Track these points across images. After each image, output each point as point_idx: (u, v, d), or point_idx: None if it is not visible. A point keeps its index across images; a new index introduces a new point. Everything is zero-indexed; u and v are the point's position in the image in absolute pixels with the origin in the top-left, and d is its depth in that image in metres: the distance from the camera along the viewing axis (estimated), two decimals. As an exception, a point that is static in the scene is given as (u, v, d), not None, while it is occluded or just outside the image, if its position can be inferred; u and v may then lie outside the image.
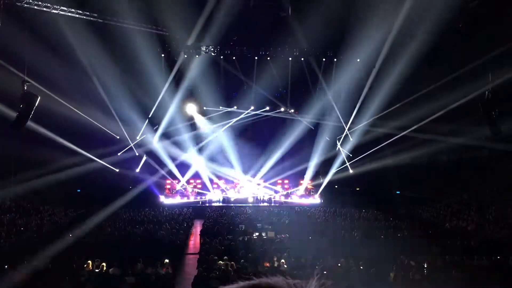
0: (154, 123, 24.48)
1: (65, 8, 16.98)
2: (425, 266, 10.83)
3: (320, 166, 26.86)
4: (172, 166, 25.83)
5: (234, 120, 26.67)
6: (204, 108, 25.76)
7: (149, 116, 23.77)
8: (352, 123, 24.15)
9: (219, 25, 19.16)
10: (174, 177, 26.71)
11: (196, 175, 27.37)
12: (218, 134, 26.98)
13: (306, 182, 27.65)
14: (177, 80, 22.82)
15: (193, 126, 26.26)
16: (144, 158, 24.84)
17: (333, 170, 25.79)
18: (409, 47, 18.10)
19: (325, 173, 26.39)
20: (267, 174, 27.69)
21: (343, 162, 25.40)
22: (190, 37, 20.25)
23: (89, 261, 10.62)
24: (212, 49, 21.76)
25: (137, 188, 24.65)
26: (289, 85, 24.55)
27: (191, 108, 25.65)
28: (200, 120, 26.37)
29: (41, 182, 19.73)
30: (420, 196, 24.77)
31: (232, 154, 27.05)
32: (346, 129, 24.34)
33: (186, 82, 22.69)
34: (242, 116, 26.51)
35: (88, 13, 17.54)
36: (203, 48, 21.42)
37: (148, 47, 19.78)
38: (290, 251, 12.30)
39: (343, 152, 25.31)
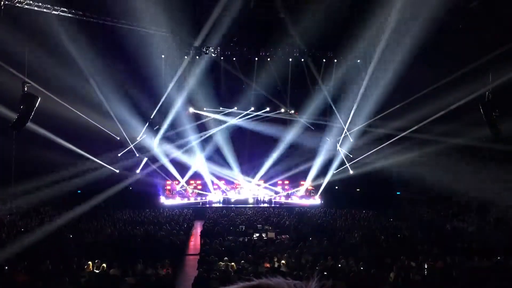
0: (154, 124, 24.48)
1: (65, 9, 17.00)
2: (426, 267, 10.83)
3: (321, 167, 26.81)
4: (171, 167, 25.80)
5: (235, 119, 26.64)
6: (204, 109, 25.76)
7: (151, 117, 23.79)
8: (352, 123, 24.15)
9: (219, 26, 19.19)
10: (174, 178, 26.68)
11: (197, 176, 27.34)
12: (219, 132, 26.92)
13: (308, 183, 27.58)
14: (178, 81, 22.84)
15: (194, 127, 26.19)
16: (145, 159, 24.82)
17: (333, 171, 25.77)
18: (409, 47, 18.11)
19: (325, 174, 26.36)
20: (267, 175, 27.67)
21: (343, 163, 25.39)
22: (192, 38, 20.28)
23: (89, 262, 10.63)
24: (213, 50, 21.78)
25: (135, 187, 24.74)
26: (289, 85, 24.58)
27: (192, 109, 25.65)
28: (202, 114, 26.25)
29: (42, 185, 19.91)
30: (421, 197, 24.75)
31: (231, 155, 27.04)
32: (345, 129, 24.34)
33: (186, 83, 22.71)
34: (241, 116, 26.50)
35: (88, 14, 17.55)
36: (204, 49, 21.45)
37: (149, 48, 19.79)
38: (290, 252, 12.30)
39: (343, 152, 25.30)
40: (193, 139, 26.16)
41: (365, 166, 24.00)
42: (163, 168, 25.64)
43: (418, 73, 19.40)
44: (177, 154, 25.64)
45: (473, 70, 16.88)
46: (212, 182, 27.29)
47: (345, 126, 24.23)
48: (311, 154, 26.45)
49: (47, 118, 16.93)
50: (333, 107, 24.44)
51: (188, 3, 17.34)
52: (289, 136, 26.36)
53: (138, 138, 23.82)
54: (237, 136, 27.58)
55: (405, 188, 25.45)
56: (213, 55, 22.00)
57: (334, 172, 25.78)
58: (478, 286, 9.58)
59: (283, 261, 11.33)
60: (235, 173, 27.22)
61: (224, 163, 26.99)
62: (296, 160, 26.66)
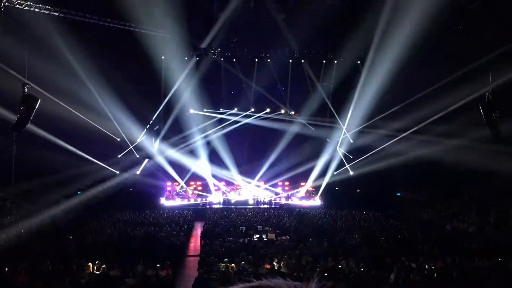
0: (154, 125, 24.48)
1: (65, 11, 17.01)
2: (426, 267, 10.82)
3: (321, 168, 26.78)
4: (171, 169, 25.73)
5: (234, 118, 26.64)
6: (205, 110, 25.75)
7: (151, 118, 23.80)
8: (352, 124, 24.16)
9: (220, 28, 19.20)
10: (173, 179, 26.62)
11: (197, 177, 27.27)
12: (218, 134, 26.88)
13: (309, 184, 27.52)
14: (178, 82, 22.85)
15: (194, 128, 26.10)
16: (146, 161, 24.78)
17: (333, 172, 25.74)
18: (409, 48, 18.13)
19: (325, 175, 26.35)
20: (268, 176, 27.63)
21: (343, 164, 25.38)
22: (192, 39, 20.28)
23: (90, 263, 10.61)
24: (213, 52, 21.78)
25: (136, 189, 24.76)
26: (289, 87, 24.59)
27: (192, 110, 25.59)
28: (202, 115, 26.17)
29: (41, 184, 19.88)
30: (421, 197, 24.73)
31: (231, 157, 27.02)
32: (344, 129, 24.37)
33: (186, 84, 22.72)
34: (241, 117, 26.52)
35: (88, 15, 17.56)
36: (204, 51, 21.46)
37: (149, 49, 19.77)
38: (291, 253, 12.29)
39: (343, 154, 25.30)
40: (193, 140, 26.14)
41: (365, 166, 24.01)
42: (163, 169, 25.60)
43: (418, 73, 19.42)
44: (177, 155, 25.61)
45: (473, 71, 16.90)
46: (213, 183, 27.28)
47: (345, 127, 24.25)
48: (320, 148, 26.29)
49: (47, 119, 16.94)
50: (332, 109, 24.50)
51: (188, 5, 17.34)
52: (290, 137, 26.37)
53: (138, 139, 23.79)
54: (237, 137, 27.57)
55: (407, 188, 25.37)
56: (213, 56, 22.01)
57: (334, 173, 25.78)
58: (478, 286, 9.58)
59: (283, 262, 11.32)
60: (235, 174, 27.18)
61: (224, 164, 26.95)
62: (296, 162, 26.57)
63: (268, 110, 26.36)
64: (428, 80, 19.73)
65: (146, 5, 17.45)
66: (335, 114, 24.53)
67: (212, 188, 27.03)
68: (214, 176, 27.17)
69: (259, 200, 27.06)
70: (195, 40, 20.63)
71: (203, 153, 26.44)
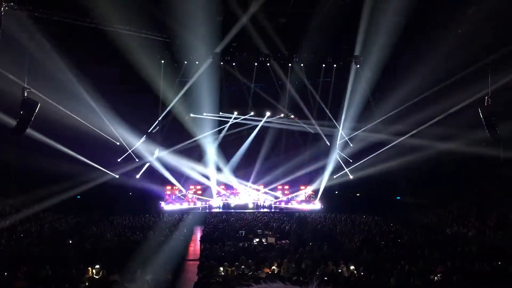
0: (153, 129, 24.48)
1: (65, 15, 17.06)
2: (426, 272, 10.79)
3: (321, 172, 26.77)
4: (171, 172, 25.69)
5: (233, 120, 26.64)
6: (204, 114, 25.74)
7: (150, 122, 23.81)
8: (351, 128, 24.19)
9: (219, 32, 19.25)
10: (173, 183, 26.56)
11: (198, 181, 27.19)
12: (217, 137, 26.89)
13: (310, 188, 27.46)
14: (177, 86, 22.93)
15: (193, 132, 26.08)
16: (146, 165, 24.74)
17: (329, 174, 25.71)
18: (408, 51, 18.17)
19: (324, 179, 26.34)
20: (267, 180, 27.60)
21: (342, 168, 25.36)
22: (192, 43, 20.32)
23: (89, 268, 10.59)
24: (212, 56, 21.81)
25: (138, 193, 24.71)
26: (289, 90, 24.63)
27: (192, 114, 25.57)
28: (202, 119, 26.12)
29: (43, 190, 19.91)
30: (421, 201, 24.72)
31: (231, 160, 27.00)
32: (341, 131, 24.39)
33: (186, 88, 22.76)
34: (241, 120, 26.56)
35: (88, 19, 17.60)
36: (203, 54, 21.49)
37: (149, 54, 19.80)
38: (291, 257, 12.27)
39: (343, 157, 25.30)
40: (193, 143, 26.13)
41: (365, 170, 24.00)
42: (162, 174, 25.56)
43: (418, 77, 19.47)
44: (176, 159, 25.57)
45: (472, 74, 16.96)
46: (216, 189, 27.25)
47: (344, 130, 24.28)
48: (319, 151, 26.28)
49: (46, 124, 16.96)
50: (329, 114, 24.54)
51: (188, 9, 17.37)
52: (290, 141, 26.40)
53: (137, 143, 23.78)
54: (235, 140, 27.61)
55: (409, 191, 25.36)
56: (213, 60, 22.05)
57: (334, 177, 25.76)
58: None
59: (283, 266, 11.30)
60: (235, 178, 27.14)
61: (223, 167, 26.91)
62: (296, 165, 26.55)
63: (268, 114, 26.42)
64: (427, 83, 19.77)
65: (146, 10, 17.50)
66: (332, 118, 24.57)
67: (214, 193, 26.94)
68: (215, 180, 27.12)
69: (259, 204, 27.02)
70: (195, 44, 20.65)
71: (204, 158, 26.41)
